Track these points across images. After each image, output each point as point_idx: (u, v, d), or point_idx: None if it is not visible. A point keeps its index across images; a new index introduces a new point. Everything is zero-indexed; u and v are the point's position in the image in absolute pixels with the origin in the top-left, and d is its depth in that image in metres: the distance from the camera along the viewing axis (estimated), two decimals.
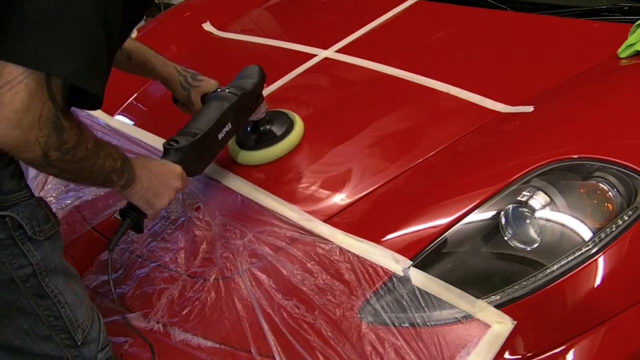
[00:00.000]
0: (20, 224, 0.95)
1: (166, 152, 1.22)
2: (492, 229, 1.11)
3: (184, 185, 1.20)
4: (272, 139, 1.41)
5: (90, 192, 1.50)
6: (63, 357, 1.04)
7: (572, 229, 1.08)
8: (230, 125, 1.31)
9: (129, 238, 1.37)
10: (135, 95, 1.81)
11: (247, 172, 1.40)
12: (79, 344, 1.04)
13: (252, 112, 1.39)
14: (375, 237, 1.15)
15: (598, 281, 1.04)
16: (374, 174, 1.29)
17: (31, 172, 1.38)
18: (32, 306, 0.99)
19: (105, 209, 1.44)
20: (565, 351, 1.02)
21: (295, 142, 1.42)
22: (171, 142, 1.23)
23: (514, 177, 1.14)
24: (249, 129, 1.43)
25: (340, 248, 1.15)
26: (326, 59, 1.69)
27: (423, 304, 1.05)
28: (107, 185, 1.06)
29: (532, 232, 1.09)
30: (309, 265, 1.15)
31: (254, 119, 1.41)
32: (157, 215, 1.19)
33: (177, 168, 1.19)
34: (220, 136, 1.29)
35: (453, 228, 1.12)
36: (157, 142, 1.55)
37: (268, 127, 1.43)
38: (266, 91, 1.58)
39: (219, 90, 1.35)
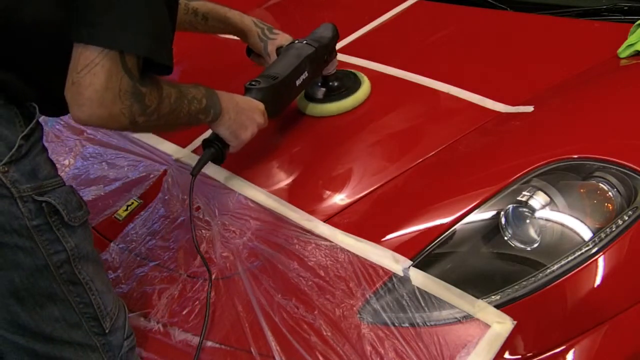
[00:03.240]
0: (56, 209, 0.97)
1: (248, 91, 1.30)
2: (492, 229, 1.11)
3: (265, 122, 1.28)
4: (340, 94, 1.49)
5: (90, 192, 1.50)
6: (92, 344, 1.05)
7: (572, 229, 1.08)
8: (307, 74, 1.39)
9: (128, 237, 1.37)
10: None
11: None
12: (107, 331, 1.06)
13: (326, 64, 1.47)
14: (375, 237, 1.15)
15: (598, 281, 1.04)
16: (374, 174, 1.29)
17: None
18: (64, 293, 1.00)
19: (105, 209, 1.44)
20: (565, 351, 1.02)
21: (363, 99, 1.49)
22: (253, 82, 1.31)
23: (514, 177, 1.14)
24: (319, 83, 1.51)
25: (340, 248, 1.15)
26: (305, 80, 1.69)
27: (423, 304, 1.04)
28: (197, 124, 1.15)
29: (532, 232, 1.09)
30: (308, 265, 1.15)
31: (325, 73, 1.49)
32: (239, 147, 1.26)
33: (260, 105, 1.27)
34: (297, 82, 1.37)
35: (453, 228, 1.12)
36: (157, 142, 1.55)
37: (336, 83, 1.50)
38: None
39: (296, 41, 1.44)
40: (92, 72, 0.88)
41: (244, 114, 1.22)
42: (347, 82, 1.51)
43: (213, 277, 1.21)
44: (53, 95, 1.02)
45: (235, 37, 1.57)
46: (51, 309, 1.00)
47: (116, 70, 0.90)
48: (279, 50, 1.46)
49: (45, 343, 1.02)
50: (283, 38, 1.49)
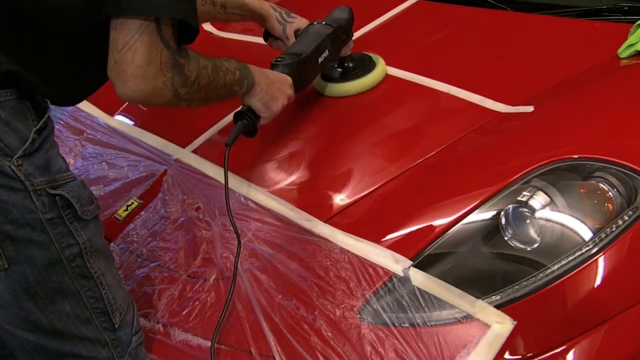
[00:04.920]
0: (70, 202, 0.98)
1: (274, 67, 1.35)
2: (492, 229, 1.11)
3: (293, 95, 1.33)
4: (357, 74, 1.54)
5: None
6: (101, 340, 1.05)
7: (572, 229, 1.08)
8: (327, 53, 1.44)
9: (128, 238, 1.37)
10: None
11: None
12: (116, 326, 1.06)
13: (344, 44, 1.53)
14: (375, 237, 1.15)
15: (598, 281, 1.04)
16: (374, 174, 1.29)
17: None
18: (75, 287, 1.00)
19: (105, 209, 1.44)
20: (565, 351, 1.02)
21: (380, 78, 1.54)
22: (279, 59, 1.36)
23: (514, 177, 1.14)
24: (335, 65, 1.56)
25: (340, 248, 1.15)
26: (326, 58, 1.69)
27: (423, 304, 1.05)
28: (233, 96, 1.18)
29: (532, 232, 1.09)
30: (309, 265, 1.15)
31: (342, 54, 1.54)
32: (270, 119, 1.29)
33: (288, 78, 1.32)
34: (319, 60, 1.43)
35: (453, 228, 1.12)
36: (157, 142, 1.55)
37: (352, 64, 1.56)
38: None
39: (315, 22, 1.49)
40: (133, 48, 0.91)
41: (274, 86, 1.26)
42: (363, 63, 1.56)
43: (213, 277, 1.21)
44: (65, 87, 1.03)
45: (234, 37, 1.57)
46: (62, 304, 1.00)
47: (155, 43, 0.92)
48: (297, 32, 1.50)
49: (55, 339, 1.02)
50: (301, 21, 1.54)
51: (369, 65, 1.55)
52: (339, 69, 1.55)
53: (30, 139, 0.95)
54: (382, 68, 1.56)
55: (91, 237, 1.01)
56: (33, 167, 0.95)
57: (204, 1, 1.48)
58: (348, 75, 1.54)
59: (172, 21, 0.95)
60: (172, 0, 0.93)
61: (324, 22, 1.48)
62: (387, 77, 1.56)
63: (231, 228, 1.27)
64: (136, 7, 0.90)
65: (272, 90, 1.26)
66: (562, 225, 1.09)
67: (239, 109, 1.27)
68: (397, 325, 1.04)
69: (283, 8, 1.56)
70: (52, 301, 0.99)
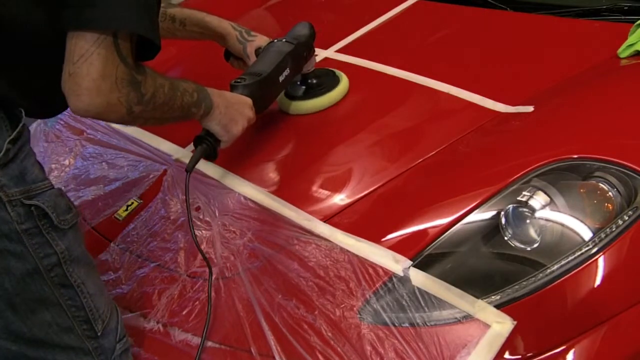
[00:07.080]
0: (45, 212, 0.97)
1: (234, 88, 1.32)
2: (492, 229, 1.11)
3: (254, 116, 1.31)
4: (320, 90, 1.52)
5: (90, 192, 1.50)
6: (84, 348, 1.04)
7: (572, 229, 1.08)
8: (288, 71, 1.42)
9: (128, 238, 1.37)
10: None
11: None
12: (99, 334, 1.05)
13: (306, 61, 1.50)
14: (375, 237, 1.15)
15: (598, 281, 1.04)
16: (374, 174, 1.29)
17: None
18: (55, 296, 1.00)
19: (105, 209, 1.44)
20: (565, 351, 1.02)
21: (344, 93, 1.53)
22: (238, 80, 1.33)
23: (514, 177, 1.14)
24: (298, 82, 1.54)
25: (340, 248, 1.15)
26: (326, 59, 1.69)
27: (423, 304, 1.05)
28: (190, 118, 1.15)
29: (532, 232, 1.09)
30: (309, 265, 1.15)
31: (304, 71, 1.52)
32: (231, 142, 1.27)
33: (248, 100, 1.30)
34: (280, 79, 1.40)
35: (453, 228, 1.12)
36: (157, 142, 1.55)
37: (315, 80, 1.54)
38: None
39: (275, 40, 1.47)
40: (89, 61, 0.88)
41: (233, 109, 1.24)
42: (326, 79, 1.54)
43: (214, 277, 1.21)
44: (39, 98, 1.02)
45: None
46: (43, 313, 1.00)
47: (112, 57, 0.90)
48: (258, 51, 1.48)
49: (37, 348, 1.01)
50: (261, 39, 1.50)
51: (333, 81, 1.53)
52: (303, 87, 1.53)
53: (5, 149, 0.94)
54: (345, 83, 1.54)
55: (69, 246, 1.00)
56: (7, 178, 0.94)
57: (164, 17, 1.45)
58: (312, 92, 1.52)
59: (130, 36, 0.93)
60: (131, 15, 0.91)
61: (284, 40, 1.45)
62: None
63: (231, 228, 1.27)
64: (94, 20, 0.88)
65: (232, 112, 1.23)
66: (562, 225, 1.09)
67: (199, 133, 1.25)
68: (397, 325, 1.04)
69: (243, 27, 1.53)
70: (32, 311, 0.99)
